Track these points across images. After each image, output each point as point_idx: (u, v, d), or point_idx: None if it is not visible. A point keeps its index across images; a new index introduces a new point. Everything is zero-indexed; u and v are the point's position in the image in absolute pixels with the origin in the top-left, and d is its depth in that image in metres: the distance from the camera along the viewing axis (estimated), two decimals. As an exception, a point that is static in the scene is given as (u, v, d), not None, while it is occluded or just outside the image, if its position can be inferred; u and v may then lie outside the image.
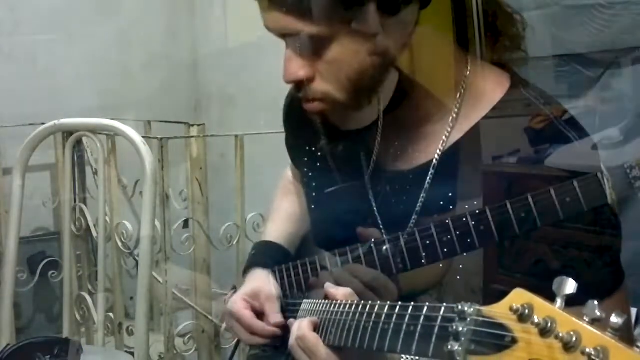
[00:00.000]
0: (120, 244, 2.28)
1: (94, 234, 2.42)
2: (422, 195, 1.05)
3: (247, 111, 2.94)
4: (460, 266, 1.00)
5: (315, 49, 0.99)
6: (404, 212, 1.07)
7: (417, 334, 0.73)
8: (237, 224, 2.36)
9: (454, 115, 1.05)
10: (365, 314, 0.85)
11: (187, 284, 2.30)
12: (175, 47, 3.25)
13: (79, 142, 2.44)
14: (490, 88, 1.05)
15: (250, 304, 1.19)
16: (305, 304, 1.05)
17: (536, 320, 0.57)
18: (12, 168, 2.19)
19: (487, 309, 0.63)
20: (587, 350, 0.52)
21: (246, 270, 1.28)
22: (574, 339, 0.54)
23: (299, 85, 1.04)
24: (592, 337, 0.53)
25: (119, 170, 2.29)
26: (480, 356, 0.62)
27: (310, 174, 1.25)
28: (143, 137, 2.00)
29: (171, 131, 2.52)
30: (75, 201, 2.54)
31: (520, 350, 0.58)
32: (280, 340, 1.17)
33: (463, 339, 0.63)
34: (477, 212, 0.91)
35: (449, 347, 0.64)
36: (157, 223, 2.09)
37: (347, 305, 0.91)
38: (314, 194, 1.23)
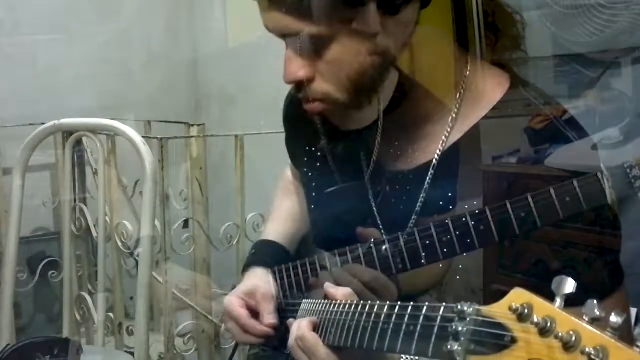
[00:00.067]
0: (120, 244, 2.28)
1: (94, 234, 2.41)
2: (421, 195, 1.05)
3: (247, 111, 2.94)
4: (460, 266, 1.00)
5: (315, 49, 0.99)
6: (403, 212, 1.07)
7: (417, 334, 0.73)
8: (237, 224, 2.36)
9: (454, 115, 1.05)
10: (365, 314, 0.85)
11: (187, 284, 2.30)
12: (175, 47, 3.24)
13: (79, 142, 2.44)
14: (490, 88, 1.05)
15: (246, 303, 1.19)
16: (305, 304, 1.05)
17: (536, 320, 0.57)
18: (12, 168, 2.19)
19: (486, 309, 0.63)
20: (587, 349, 0.52)
21: (245, 269, 1.28)
22: (574, 338, 0.54)
23: (299, 86, 1.04)
24: (591, 336, 0.53)
25: (119, 170, 2.29)
26: (480, 356, 0.62)
27: (310, 174, 1.25)
28: (143, 137, 2.00)
29: (171, 131, 2.52)
30: (75, 201, 2.53)
31: (519, 349, 0.58)
32: (275, 340, 1.17)
33: (463, 338, 0.63)
34: (477, 212, 0.91)
35: (449, 347, 0.64)
36: (157, 223, 2.09)
37: (347, 305, 0.91)
38: (313, 194, 1.23)
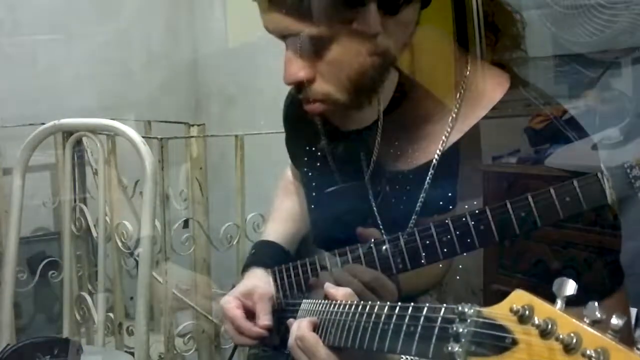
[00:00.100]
0: (120, 244, 2.28)
1: (94, 234, 2.41)
2: (422, 195, 1.06)
3: (247, 111, 2.94)
4: (460, 266, 1.00)
5: (315, 49, 0.99)
6: (403, 212, 1.07)
7: (417, 335, 0.73)
8: (237, 224, 2.36)
9: (454, 115, 1.05)
10: (365, 314, 0.85)
11: (187, 284, 2.29)
12: (175, 47, 3.24)
13: (79, 142, 2.44)
14: (490, 88, 1.05)
15: (243, 303, 1.19)
16: (305, 304, 1.05)
17: (536, 322, 0.57)
18: (12, 168, 2.19)
19: (487, 310, 0.63)
20: (588, 352, 0.52)
21: (244, 270, 1.28)
22: (575, 340, 0.54)
23: (300, 87, 1.04)
24: (592, 338, 0.53)
25: (119, 170, 2.29)
26: (481, 357, 0.61)
27: (310, 174, 1.25)
28: (143, 137, 2.00)
29: (171, 131, 2.52)
30: (75, 201, 2.53)
31: (520, 351, 0.58)
32: (273, 341, 1.17)
33: (463, 340, 0.63)
34: (477, 212, 0.91)
35: (449, 348, 0.64)
36: (157, 223, 2.09)
37: (347, 306, 0.91)
38: (313, 194, 1.23)
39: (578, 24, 1.57)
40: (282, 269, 1.19)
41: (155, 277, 2.13)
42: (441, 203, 1.03)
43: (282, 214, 1.40)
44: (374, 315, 0.83)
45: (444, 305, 0.69)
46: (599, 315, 0.54)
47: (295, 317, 1.04)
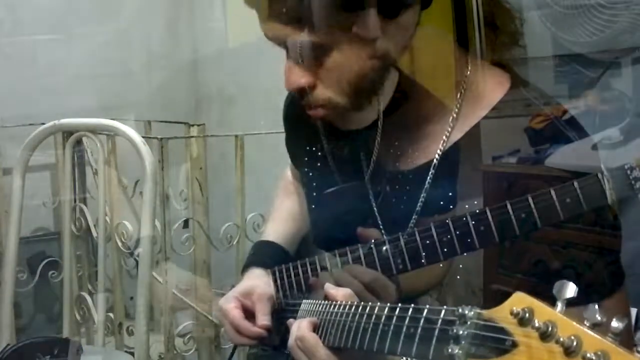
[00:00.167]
0: (120, 244, 2.28)
1: (94, 234, 2.41)
2: (422, 195, 1.06)
3: (247, 111, 2.94)
4: (461, 266, 1.00)
5: (316, 56, 0.99)
6: (404, 212, 1.07)
7: (417, 336, 0.72)
8: (237, 224, 2.36)
9: (454, 115, 1.05)
10: (365, 315, 0.85)
11: (187, 284, 2.29)
12: (175, 47, 3.24)
13: (79, 142, 2.44)
14: (491, 88, 1.05)
15: (242, 303, 1.19)
16: (305, 305, 1.05)
17: (537, 324, 0.56)
18: (12, 168, 2.18)
19: (487, 313, 0.63)
20: (588, 355, 0.52)
21: (244, 270, 1.28)
22: (575, 343, 0.54)
23: (301, 93, 1.04)
24: (593, 341, 0.53)
25: (119, 170, 2.29)
26: None
27: (310, 174, 1.25)
28: (143, 137, 2.00)
29: (171, 131, 2.52)
30: (75, 201, 2.53)
31: (520, 354, 0.58)
32: (272, 341, 1.17)
33: (463, 342, 0.63)
34: (477, 212, 0.91)
35: (449, 350, 0.64)
36: (157, 223, 2.09)
37: (347, 306, 0.91)
38: (314, 194, 1.23)
39: (578, 24, 1.57)
40: (282, 269, 1.19)
41: (155, 277, 2.12)
42: (441, 203, 1.04)
43: (282, 214, 1.40)
44: (374, 316, 0.83)
45: (444, 307, 0.69)
46: (599, 318, 0.54)
47: (295, 318, 1.04)
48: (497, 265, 0.99)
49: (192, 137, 2.31)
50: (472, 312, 0.64)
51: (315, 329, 0.95)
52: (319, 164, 1.23)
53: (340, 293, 0.95)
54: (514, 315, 0.58)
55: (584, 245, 0.94)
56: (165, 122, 2.78)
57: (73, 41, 2.83)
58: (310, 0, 0.97)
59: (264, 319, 1.15)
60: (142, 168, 1.95)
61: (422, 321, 0.73)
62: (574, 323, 0.55)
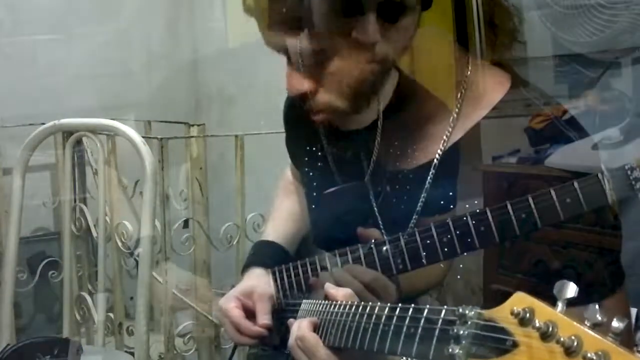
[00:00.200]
0: (120, 244, 2.27)
1: (94, 234, 2.41)
2: (422, 195, 1.06)
3: (247, 111, 2.94)
4: (461, 266, 1.00)
5: (316, 62, 1.00)
6: (404, 212, 1.07)
7: (418, 336, 0.72)
8: (237, 224, 2.36)
9: (455, 115, 1.05)
10: (366, 315, 0.85)
11: (187, 284, 2.29)
12: (175, 47, 3.24)
13: (79, 142, 2.44)
14: (491, 88, 1.05)
15: (242, 303, 1.19)
16: (305, 304, 1.05)
17: (537, 324, 0.56)
18: (12, 168, 2.18)
19: (488, 313, 0.63)
20: (589, 354, 0.52)
21: (244, 270, 1.28)
22: (575, 343, 0.54)
23: (303, 98, 1.04)
24: (593, 341, 0.53)
25: (119, 170, 2.29)
26: (481, 359, 0.61)
27: (310, 174, 1.25)
28: (143, 137, 2.00)
29: (171, 131, 2.52)
30: (75, 201, 2.53)
31: (521, 354, 0.58)
32: (273, 340, 1.17)
33: (464, 342, 0.63)
34: (478, 212, 0.91)
35: (450, 349, 0.64)
36: (157, 223, 2.09)
37: (347, 306, 0.91)
38: (314, 194, 1.23)
39: (578, 24, 1.57)
40: (282, 269, 1.19)
41: (155, 277, 2.12)
42: (442, 203, 1.04)
43: (282, 214, 1.40)
44: (374, 316, 0.83)
45: (445, 307, 0.69)
46: (599, 318, 0.54)
47: (295, 317, 1.04)
48: (497, 265, 1.00)
49: (192, 137, 2.31)
50: (473, 312, 0.64)
51: (316, 328, 0.95)
52: (319, 164, 1.23)
53: (341, 293, 0.95)
54: (515, 315, 0.59)
55: (584, 245, 0.94)
56: (165, 122, 2.77)
57: (73, 41, 2.83)
58: (310, 6, 0.98)
59: (264, 318, 1.15)
60: (142, 168, 1.95)
61: (422, 321, 0.73)
62: (575, 323, 0.55)
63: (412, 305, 0.77)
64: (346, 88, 1.00)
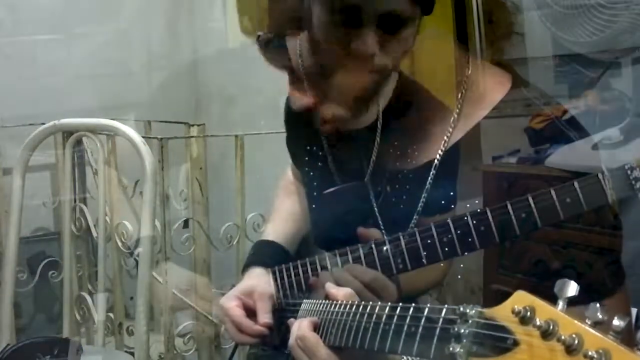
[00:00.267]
0: (120, 244, 2.27)
1: (94, 234, 2.41)
2: (423, 195, 1.06)
3: (247, 111, 2.94)
4: (461, 266, 1.00)
5: (319, 76, 1.00)
6: (404, 212, 1.07)
7: (418, 335, 0.72)
8: (237, 224, 2.36)
9: (455, 116, 1.05)
10: (366, 315, 0.85)
11: (187, 284, 2.29)
12: (175, 47, 3.24)
13: (79, 142, 2.44)
14: (491, 88, 1.05)
15: (243, 302, 1.19)
16: (306, 304, 1.05)
17: (538, 323, 0.57)
18: (12, 168, 2.18)
19: (488, 311, 0.63)
20: (590, 353, 0.52)
21: (244, 269, 1.28)
22: (576, 341, 0.54)
23: (307, 110, 1.05)
24: (594, 340, 0.53)
25: (119, 170, 2.29)
26: (482, 358, 0.61)
27: (310, 174, 1.25)
28: (143, 137, 2.00)
29: (171, 131, 2.52)
30: (75, 201, 2.53)
31: (522, 352, 0.58)
32: (273, 340, 1.17)
33: (464, 340, 0.63)
34: (478, 212, 0.91)
35: (451, 348, 0.64)
36: (157, 223, 2.08)
37: (348, 306, 0.91)
38: (314, 194, 1.23)
39: (578, 24, 1.57)
40: (282, 268, 1.19)
41: (155, 277, 2.12)
42: (442, 203, 1.04)
43: (282, 214, 1.40)
44: (375, 316, 0.83)
45: (446, 305, 0.69)
46: (600, 317, 0.54)
47: (295, 317, 1.04)
48: (497, 265, 1.00)
49: (192, 137, 2.31)
50: (474, 311, 0.64)
51: (316, 328, 0.95)
52: (319, 164, 1.23)
53: (341, 292, 0.95)
54: (516, 313, 0.59)
55: (585, 245, 0.94)
56: (165, 122, 2.77)
57: (73, 41, 2.83)
58: (310, 19, 0.98)
59: (265, 317, 1.15)
60: (142, 168, 1.95)
61: (423, 320, 0.73)
62: (576, 321, 0.55)
63: (413, 304, 0.77)
64: (348, 98, 1.01)
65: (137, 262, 2.04)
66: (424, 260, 0.97)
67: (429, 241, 0.96)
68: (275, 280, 1.19)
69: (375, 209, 1.12)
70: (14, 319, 2.28)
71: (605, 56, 1.59)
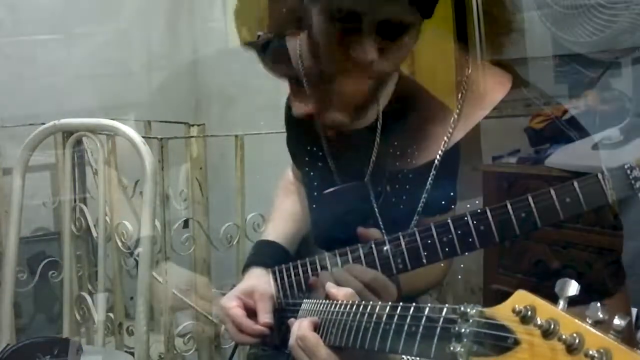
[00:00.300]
0: (120, 244, 2.27)
1: (94, 234, 2.41)
2: (423, 195, 1.06)
3: (247, 111, 2.94)
4: (462, 266, 1.00)
5: (320, 84, 1.00)
6: (404, 212, 1.07)
7: (419, 335, 0.73)
8: (237, 224, 2.36)
9: (456, 116, 1.05)
10: (367, 315, 0.85)
11: (187, 284, 2.29)
12: (175, 47, 3.24)
13: (79, 142, 2.43)
14: (491, 88, 1.05)
15: (244, 302, 1.19)
16: (306, 304, 1.05)
17: (539, 322, 0.57)
18: (12, 168, 2.18)
19: (489, 311, 0.63)
20: (590, 352, 0.52)
21: (245, 269, 1.28)
22: (577, 340, 0.54)
23: (309, 117, 1.06)
24: (595, 339, 0.53)
25: (119, 170, 2.29)
26: (483, 357, 0.61)
27: (311, 174, 1.25)
28: (143, 137, 2.00)
29: (171, 131, 2.52)
30: (75, 201, 2.53)
31: (522, 351, 0.58)
32: (273, 340, 1.17)
33: (465, 340, 0.63)
34: (477, 212, 0.91)
35: (451, 348, 0.64)
36: (157, 223, 2.08)
37: (348, 306, 0.91)
38: (314, 194, 1.24)
39: (578, 24, 1.57)
40: (282, 268, 1.20)
41: (155, 277, 2.12)
42: (443, 203, 1.04)
43: (282, 214, 1.40)
44: (375, 316, 0.83)
45: (446, 305, 0.69)
46: (601, 316, 0.54)
47: (296, 317, 1.04)
48: (497, 265, 1.00)
49: (192, 137, 2.31)
50: (474, 310, 0.64)
51: (316, 328, 0.95)
52: (319, 164, 1.23)
53: (342, 292, 0.95)
54: (516, 313, 0.59)
55: (584, 245, 0.95)
56: (165, 122, 2.77)
57: (73, 41, 2.83)
58: (310, 23, 0.98)
59: (266, 317, 1.15)
60: (142, 168, 1.95)
61: (423, 320, 0.73)
62: (576, 320, 0.55)
63: (413, 303, 0.77)
64: (349, 104, 1.02)
65: (137, 262, 2.04)
66: (424, 260, 0.97)
67: (428, 241, 0.96)
68: (276, 280, 1.19)
69: (375, 209, 1.12)
70: (14, 319, 2.28)
71: (605, 56, 1.59)
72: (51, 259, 2.75)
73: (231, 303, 1.19)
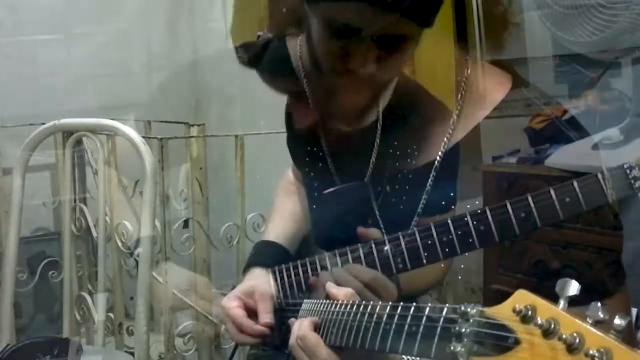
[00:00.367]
0: (120, 244, 2.27)
1: (94, 234, 2.41)
2: (423, 195, 1.06)
3: (247, 111, 2.94)
4: (461, 266, 1.01)
5: (319, 81, 1.01)
6: (404, 212, 1.07)
7: (419, 335, 0.73)
8: (237, 224, 2.36)
9: (455, 117, 1.05)
10: (367, 314, 0.85)
11: (187, 284, 2.29)
12: (175, 47, 3.24)
13: (79, 142, 2.43)
14: (491, 88, 1.05)
15: (244, 302, 1.19)
16: (306, 304, 1.05)
17: (539, 322, 0.57)
18: (12, 168, 2.18)
19: (489, 310, 0.63)
20: (591, 351, 0.52)
21: (245, 270, 1.28)
22: (578, 340, 0.54)
23: (311, 127, 1.06)
24: (595, 338, 0.53)
25: (119, 170, 2.29)
26: (483, 357, 0.61)
27: (311, 174, 1.25)
28: (143, 137, 2.00)
29: (171, 131, 2.52)
30: (75, 201, 2.53)
31: (523, 351, 0.58)
32: (274, 340, 1.17)
33: (466, 339, 0.63)
34: (477, 212, 0.91)
35: (452, 348, 0.64)
36: (157, 223, 2.08)
37: (349, 306, 0.91)
38: (314, 194, 1.24)
39: (578, 24, 1.57)
40: (282, 268, 1.20)
41: (155, 277, 2.12)
42: (443, 203, 1.04)
43: (283, 214, 1.40)
44: (375, 315, 0.83)
45: (447, 305, 0.69)
46: (601, 316, 0.54)
47: (296, 317, 1.04)
48: (497, 265, 1.00)
49: (192, 137, 2.31)
50: (475, 310, 0.64)
51: (317, 328, 0.95)
52: (319, 164, 1.23)
53: (342, 292, 0.96)
54: (517, 312, 0.59)
55: (584, 245, 0.95)
56: (165, 122, 2.77)
57: (73, 41, 2.83)
58: (310, 33, 0.99)
59: (266, 317, 1.15)
60: (142, 168, 1.95)
61: (424, 319, 0.73)
62: (577, 320, 0.55)
63: (414, 303, 0.77)
64: (349, 111, 1.02)
65: (137, 262, 2.04)
66: (423, 260, 0.97)
67: (428, 241, 0.96)
68: (276, 280, 1.19)
69: (375, 209, 1.12)
70: (14, 319, 2.28)
71: (605, 56, 1.59)
72: (51, 259, 2.75)
73: (231, 303, 1.19)
